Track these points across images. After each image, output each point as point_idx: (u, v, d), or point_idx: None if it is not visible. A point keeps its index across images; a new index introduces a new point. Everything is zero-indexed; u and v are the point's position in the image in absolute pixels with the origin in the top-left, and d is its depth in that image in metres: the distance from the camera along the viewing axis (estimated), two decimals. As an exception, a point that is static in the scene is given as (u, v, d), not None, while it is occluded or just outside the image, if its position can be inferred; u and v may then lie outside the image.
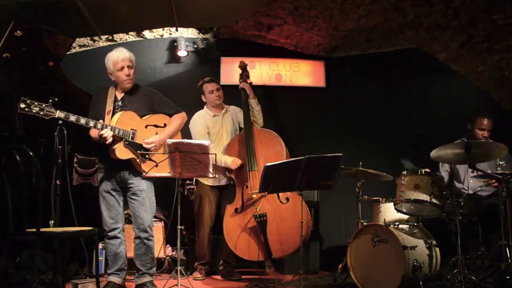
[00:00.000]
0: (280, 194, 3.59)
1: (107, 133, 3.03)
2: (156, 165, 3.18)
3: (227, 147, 3.92)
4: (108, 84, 3.32)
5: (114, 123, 3.09)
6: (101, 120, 3.07)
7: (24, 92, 2.88)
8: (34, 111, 2.84)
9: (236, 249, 3.63)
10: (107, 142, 3.05)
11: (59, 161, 2.90)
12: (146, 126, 3.26)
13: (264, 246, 3.52)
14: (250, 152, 3.76)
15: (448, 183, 4.09)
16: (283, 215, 3.56)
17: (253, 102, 4.04)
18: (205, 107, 4.11)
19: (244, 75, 4.20)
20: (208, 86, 4.04)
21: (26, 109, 2.82)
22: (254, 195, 3.63)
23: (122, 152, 3.12)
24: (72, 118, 2.95)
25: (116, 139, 3.10)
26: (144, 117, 3.27)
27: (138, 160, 3.13)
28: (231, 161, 3.76)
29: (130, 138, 3.15)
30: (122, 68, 3.18)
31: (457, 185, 4.08)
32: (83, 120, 2.99)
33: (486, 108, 4.83)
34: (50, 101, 2.89)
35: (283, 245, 3.51)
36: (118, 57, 3.17)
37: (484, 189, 3.93)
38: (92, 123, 3.01)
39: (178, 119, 3.42)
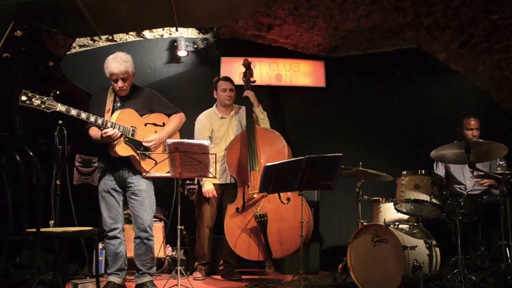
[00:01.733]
0: (281, 193, 3.59)
1: (113, 131, 3.02)
2: (156, 164, 3.18)
3: (229, 146, 3.91)
4: (108, 85, 3.32)
5: (114, 120, 3.10)
6: (101, 118, 3.08)
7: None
8: (35, 104, 2.82)
9: (236, 249, 3.63)
10: (115, 140, 3.04)
11: (59, 161, 2.90)
12: (145, 125, 3.27)
13: (264, 246, 3.52)
14: (252, 151, 3.74)
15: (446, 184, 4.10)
16: (284, 215, 3.56)
17: (258, 111, 3.99)
18: (214, 105, 4.08)
19: (248, 73, 4.18)
20: (223, 84, 4.01)
21: (27, 102, 2.81)
22: (255, 195, 3.63)
23: (122, 149, 3.11)
24: (73, 112, 2.95)
25: None
26: (144, 116, 3.28)
27: (137, 157, 3.13)
28: (206, 190, 3.83)
29: (130, 134, 3.15)
30: (116, 80, 3.18)
31: (455, 185, 4.08)
32: (83, 115, 2.98)
33: (486, 108, 4.84)
34: (52, 94, 2.89)
35: (284, 245, 3.50)
36: (113, 69, 3.13)
37: (478, 188, 3.92)
38: (92, 118, 3.01)
39: (177, 118, 3.43)
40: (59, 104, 2.90)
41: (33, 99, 2.82)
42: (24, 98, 2.80)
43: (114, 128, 3.05)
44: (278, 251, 3.52)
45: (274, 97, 5.10)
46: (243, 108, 4.08)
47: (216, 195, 3.86)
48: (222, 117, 4.02)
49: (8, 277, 3.16)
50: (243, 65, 4.22)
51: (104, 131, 3.02)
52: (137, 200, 3.21)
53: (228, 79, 4.08)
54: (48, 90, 2.91)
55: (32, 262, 3.18)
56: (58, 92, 2.92)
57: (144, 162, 3.15)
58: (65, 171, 3.04)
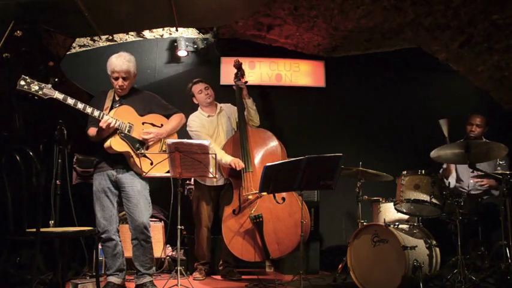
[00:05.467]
0: (276, 193, 3.57)
1: (110, 119, 3.01)
2: (152, 164, 3.17)
3: (222, 148, 3.90)
4: (108, 85, 3.32)
5: (112, 115, 3.09)
6: (98, 110, 3.07)
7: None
8: (33, 89, 2.83)
9: (235, 251, 3.62)
10: (111, 126, 3.02)
11: (59, 161, 2.90)
12: (143, 123, 3.26)
13: (261, 246, 3.52)
14: (245, 153, 3.74)
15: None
16: (280, 214, 3.56)
17: (249, 102, 4.01)
18: (199, 108, 4.07)
19: (239, 74, 4.13)
20: (197, 87, 4.00)
21: (25, 87, 2.81)
22: (250, 196, 3.62)
23: (117, 144, 3.10)
24: (70, 101, 2.94)
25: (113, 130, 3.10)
26: (142, 116, 3.28)
27: (133, 154, 3.12)
28: (231, 160, 3.71)
29: (126, 130, 3.14)
30: (116, 78, 3.18)
31: (457, 184, 4.08)
32: (80, 105, 2.97)
33: (486, 108, 4.83)
34: (51, 81, 2.89)
35: (281, 245, 3.50)
36: (115, 67, 3.14)
37: (480, 188, 3.93)
38: (89, 109, 3.00)
39: (177, 118, 3.43)
40: (57, 92, 2.90)
41: (31, 85, 2.83)
42: (22, 82, 2.81)
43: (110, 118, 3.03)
44: (276, 251, 3.51)
45: (274, 97, 5.10)
46: (229, 105, 4.11)
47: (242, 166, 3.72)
48: (209, 116, 4.02)
49: (8, 277, 3.16)
50: (234, 66, 4.15)
51: (101, 123, 3.00)
52: (132, 202, 3.19)
53: (199, 81, 4.03)
54: (48, 78, 2.91)
55: (32, 262, 3.17)
56: (57, 80, 2.93)
57: (139, 163, 3.13)
58: (65, 171, 3.04)
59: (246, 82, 4.15)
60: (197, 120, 3.96)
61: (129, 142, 3.15)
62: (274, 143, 3.80)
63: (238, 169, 3.67)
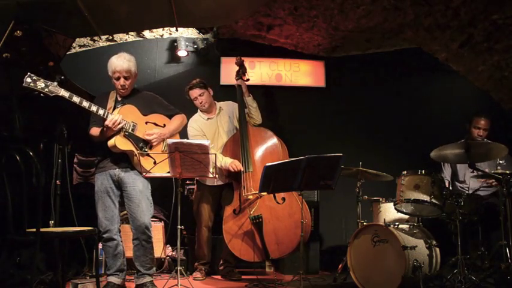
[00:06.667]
0: (276, 194, 3.57)
1: (117, 117, 3.01)
2: (155, 163, 3.18)
3: (223, 148, 3.90)
4: (108, 85, 3.32)
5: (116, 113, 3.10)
6: (103, 109, 3.07)
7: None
8: (39, 87, 2.85)
9: (235, 251, 3.63)
10: (117, 124, 3.02)
11: (59, 161, 2.90)
12: (146, 123, 3.27)
13: (261, 247, 3.52)
14: (245, 153, 3.73)
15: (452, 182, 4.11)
16: (280, 215, 3.56)
17: (250, 100, 4.00)
18: (198, 110, 4.07)
19: (241, 72, 4.13)
20: (192, 93, 3.94)
21: (31, 84, 2.83)
22: (250, 197, 3.62)
23: (121, 142, 3.10)
24: (76, 99, 2.95)
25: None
26: (145, 115, 3.28)
27: (136, 153, 3.13)
28: (230, 163, 3.71)
29: (130, 129, 3.15)
30: (118, 78, 3.18)
31: (458, 184, 4.08)
32: (85, 103, 2.98)
33: (486, 108, 4.83)
34: (56, 79, 2.91)
35: (281, 245, 3.50)
36: (116, 67, 3.15)
37: (484, 189, 3.93)
38: (94, 108, 3.01)
39: (179, 118, 3.43)
40: (62, 90, 2.91)
41: (37, 82, 2.84)
42: (28, 80, 2.83)
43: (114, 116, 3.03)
44: (275, 251, 3.52)
45: (274, 97, 5.10)
46: (229, 103, 4.09)
47: (241, 169, 3.72)
48: (208, 119, 4.01)
49: (8, 277, 3.16)
50: (236, 63, 4.15)
51: (107, 121, 3.00)
52: (134, 202, 3.19)
53: (194, 86, 3.93)
54: (53, 75, 2.92)
55: (32, 262, 3.17)
56: (63, 77, 2.94)
57: (143, 162, 3.14)
58: (65, 171, 3.04)
59: (248, 80, 4.15)
60: (195, 126, 3.94)
61: (133, 141, 3.15)
62: (274, 142, 3.79)
63: (238, 170, 3.67)
